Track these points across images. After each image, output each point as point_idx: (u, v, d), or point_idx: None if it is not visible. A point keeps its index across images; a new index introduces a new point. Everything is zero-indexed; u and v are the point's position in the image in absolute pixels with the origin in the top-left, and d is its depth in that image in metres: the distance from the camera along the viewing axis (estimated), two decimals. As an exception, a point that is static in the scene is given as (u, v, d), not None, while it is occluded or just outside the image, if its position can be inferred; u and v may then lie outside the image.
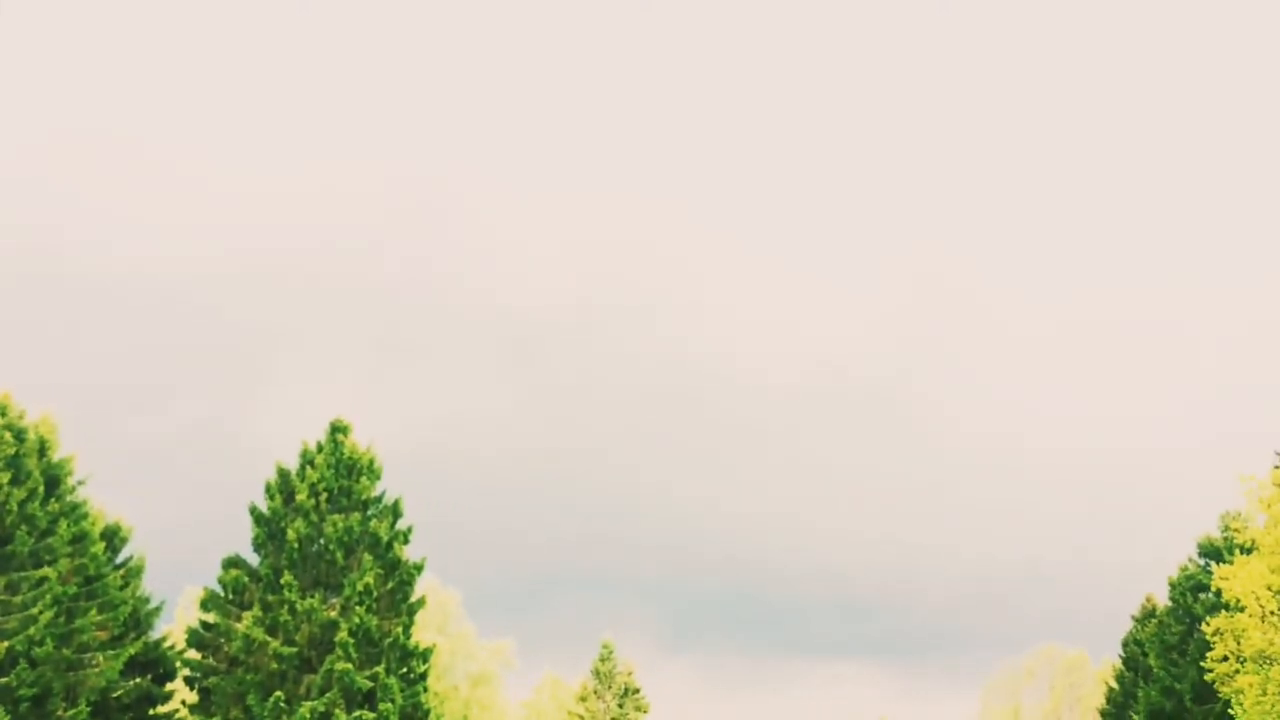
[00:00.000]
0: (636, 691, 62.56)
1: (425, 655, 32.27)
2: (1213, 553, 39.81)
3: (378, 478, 33.13)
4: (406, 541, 32.79)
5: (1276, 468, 33.47)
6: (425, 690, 32.01)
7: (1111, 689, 49.71)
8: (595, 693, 64.19)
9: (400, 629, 31.55)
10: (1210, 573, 31.28)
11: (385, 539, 32.28)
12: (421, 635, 36.53)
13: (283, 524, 31.84)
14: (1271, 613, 22.95)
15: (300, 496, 31.76)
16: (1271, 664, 23.54)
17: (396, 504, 33.16)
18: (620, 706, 64.16)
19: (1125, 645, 48.91)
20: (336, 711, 28.96)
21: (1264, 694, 24.93)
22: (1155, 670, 44.58)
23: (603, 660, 62.27)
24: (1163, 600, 45.94)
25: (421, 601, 32.85)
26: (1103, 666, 65.60)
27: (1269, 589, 22.95)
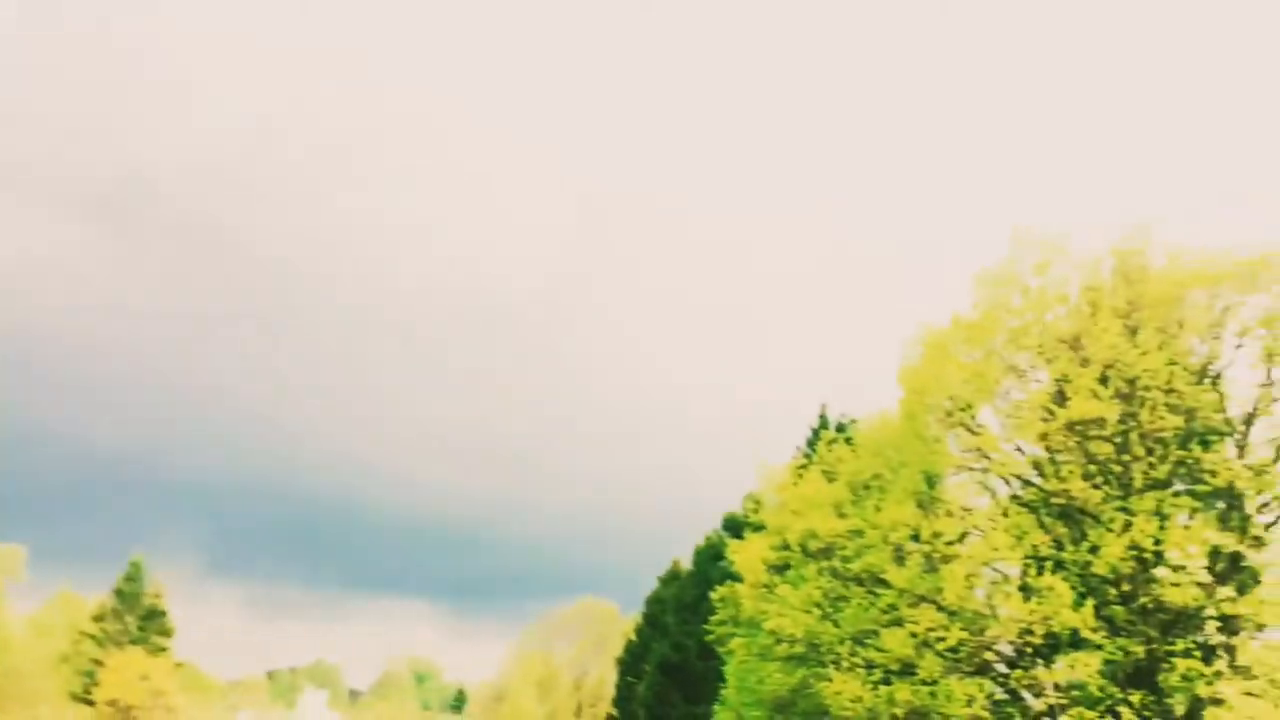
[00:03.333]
0: (163, 614, 58.59)
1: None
2: (734, 526, 44.49)
3: None
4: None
5: (796, 456, 38.07)
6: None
7: (631, 641, 54.22)
8: (115, 612, 59.21)
9: None
10: (727, 544, 34.82)
11: None
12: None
13: None
14: (764, 585, 26.11)
15: None
16: (757, 629, 26.76)
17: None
18: (141, 629, 59.75)
19: (649, 603, 53.50)
20: None
21: (748, 654, 28.33)
22: (671, 627, 49.29)
23: (129, 579, 57.68)
24: (689, 565, 50.87)
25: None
26: (629, 621, 71.33)
27: (764, 564, 26.06)
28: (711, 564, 46.73)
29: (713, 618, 33.91)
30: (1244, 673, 11.31)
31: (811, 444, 37.02)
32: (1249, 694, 10.93)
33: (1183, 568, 10.32)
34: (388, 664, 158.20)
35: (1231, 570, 19.09)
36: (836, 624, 25.13)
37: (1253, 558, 13.07)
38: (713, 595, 34.68)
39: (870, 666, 24.27)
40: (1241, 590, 13.94)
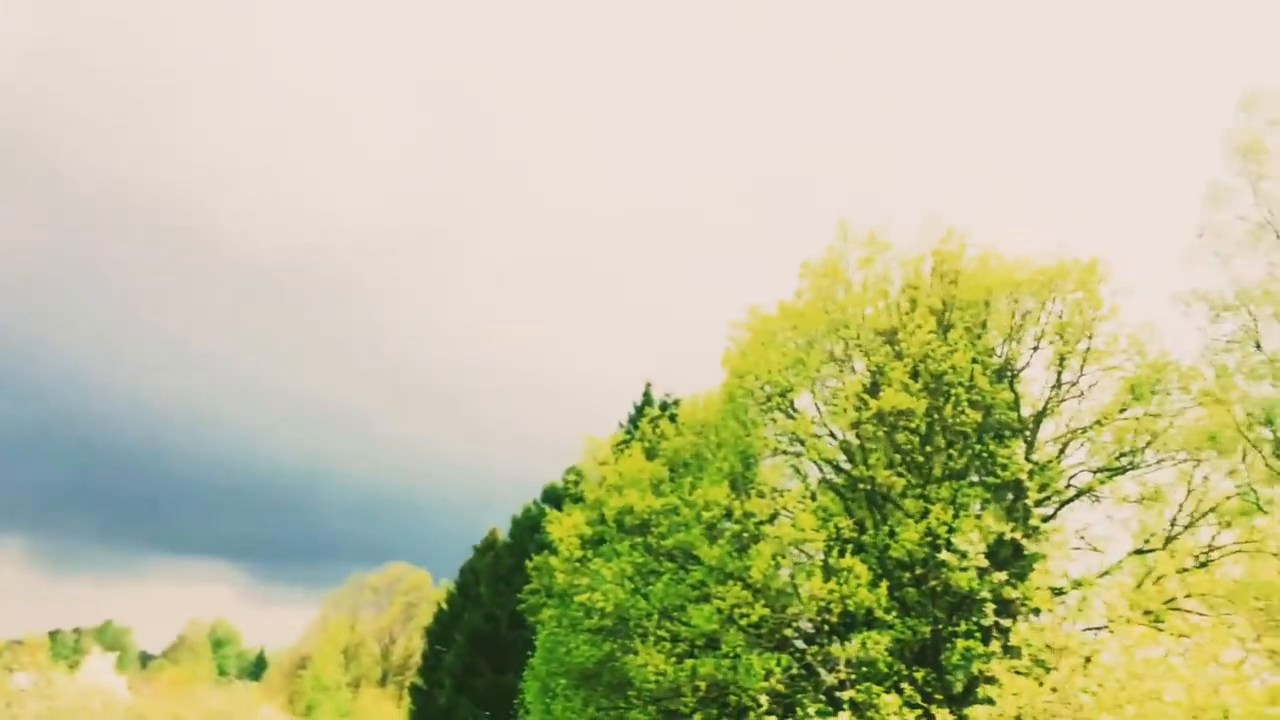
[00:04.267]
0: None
1: None
2: (553, 498, 44.54)
3: None
4: None
5: (620, 431, 38.34)
6: None
7: (441, 609, 53.62)
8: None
9: None
10: (546, 515, 34.76)
11: None
12: None
13: None
14: (578, 558, 26.22)
15: None
16: (568, 601, 26.86)
17: None
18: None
19: (463, 572, 53.01)
20: None
21: (558, 625, 28.41)
22: (484, 597, 48.97)
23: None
24: (506, 535, 50.63)
25: None
26: (441, 589, 70.56)
27: (580, 537, 26.17)
28: (529, 535, 46.66)
29: (525, 587, 33.88)
30: (1014, 653, 12.07)
31: (635, 420, 37.45)
32: (1018, 672, 11.67)
33: (963, 554, 10.93)
34: (184, 627, 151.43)
35: (1013, 558, 20.38)
36: (646, 598, 25.48)
37: (1030, 547, 13.98)
38: (527, 565, 34.63)
39: (676, 640, 24.77)
40: (1020, 577, 14.89)
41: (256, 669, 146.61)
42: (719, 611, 23.55)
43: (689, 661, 23.84)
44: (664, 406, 36.67)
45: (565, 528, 26.61)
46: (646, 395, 40.70)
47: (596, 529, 26.65)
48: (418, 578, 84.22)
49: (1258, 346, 23.19)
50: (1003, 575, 10.96)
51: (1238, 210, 23.85)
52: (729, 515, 24.59)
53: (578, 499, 29.46)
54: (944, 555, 12.79)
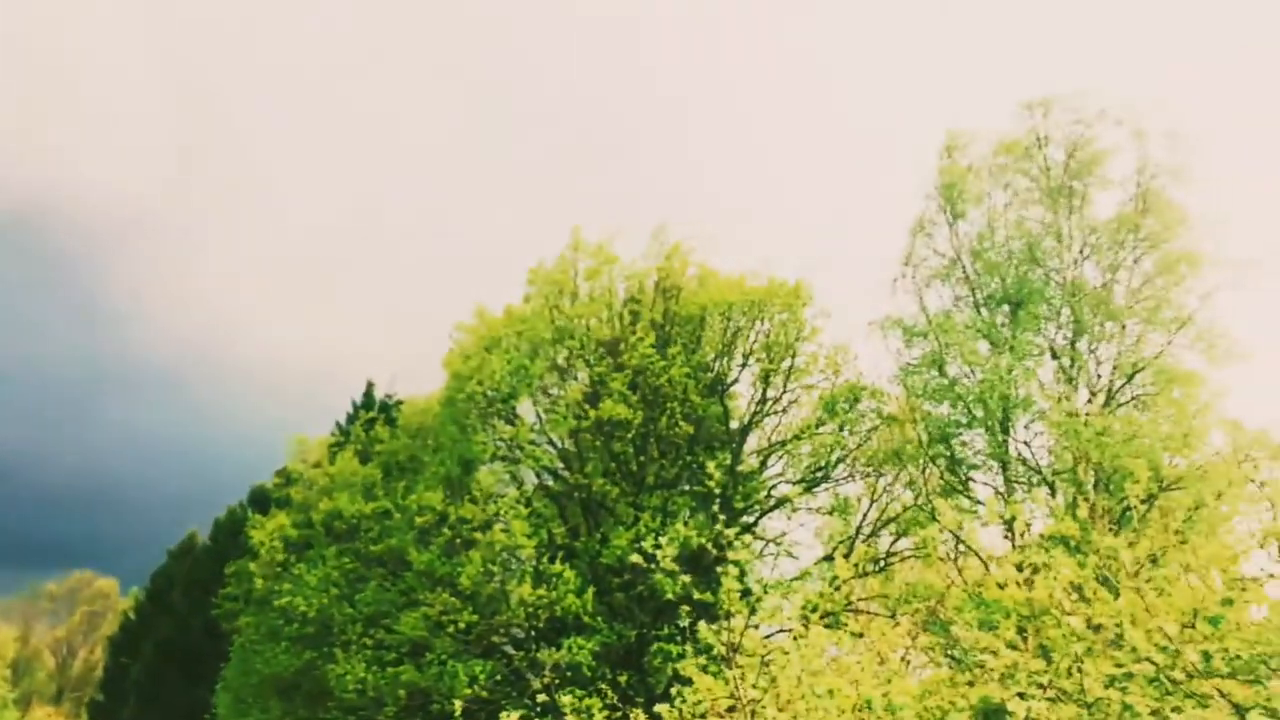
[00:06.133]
0: None
1: None
2: (260, 500, 42.20)
3: None
4: None
5: (335, 432, 36.89)
6: None
7: (129, 618, 49.53)
8: None
9: None
10: (250, 518, 32.88)
11: None
12: None
13: None
14: (280, 563, 24.99)
15: None
16: (267, 608, 25.52)
17: None
18: None
19: (155, 578, 49.22)
20: None
21: (256, 634, 26.90)
22: (177, 605, 45.64)
23: None
24: (207, 538, 47.43)
25: None
26: (130, 598, 65.27)
27: (283, 539, 24.97)
28: (231, 539, 44.00)
29: (221, 592, 31.88)
30: (705, 653, 12.63)
31: (352, 420, 36.18)
32: (707, 671, 12.19)
33: (651, 557, 11.33)
34: None
35: (715, 563, 21.33)
36: (352, 605, 24.64)
37: (732, 554, 14.68)
38: (225, 571, 32.63)
39: (381, 648, 24.09)
40: (717, 582, 15.62)
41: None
42: (427, 618, 23.12)
43: (392, 670, 23.24)
44: (385, 407, 35.69)
45: (267, 531, 25.28)
46: (367, 395, 39.43)
47: (303, 533, 25.50)
48: (103, 585, 77.38)
49: (941, 371, 25.51)
50: (688, 579, 11.39)
51: (937, 245, 26.22)
52: (443, 520, 24.24)
53: (285, 502, 28.09)
54: (634, 559, 13.14)
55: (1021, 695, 9.71)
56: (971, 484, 24.50)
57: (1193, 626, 10.72)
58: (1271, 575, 16.27)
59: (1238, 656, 9.76)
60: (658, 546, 11.46)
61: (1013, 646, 11.47)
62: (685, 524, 24.22)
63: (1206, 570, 13.02)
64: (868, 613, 23.15)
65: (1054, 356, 23.96)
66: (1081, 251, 23.92)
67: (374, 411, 31.30)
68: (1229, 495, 18.24)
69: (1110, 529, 18.50)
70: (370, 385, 39.52)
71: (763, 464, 26.71)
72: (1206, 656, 9.30)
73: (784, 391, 26.55)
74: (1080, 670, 9.95)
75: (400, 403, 35.64)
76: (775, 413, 26.66)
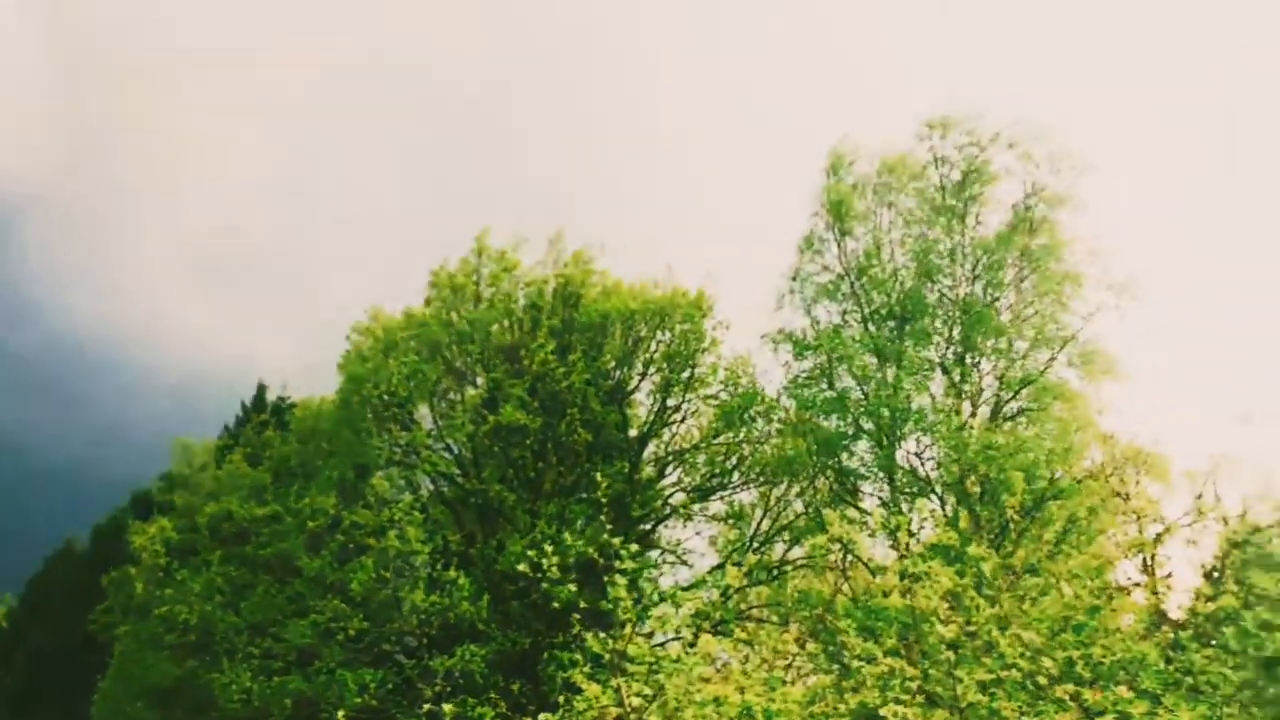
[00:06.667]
0: None
1: None
2: (143, 505, 40.66)
3: None
4: None
5: (224, 435, 35.94)
6: None
7: (1, 630, 47.33)
8: None
9: None
10: (131, 524, 31.77)
11: None
12: None
13: None
14: (162, 570, 24.21)
15: None
16: (148, 616, 24.70)
17: None
18: None
19: (30, 586, 47.12)
20: None
21: (136, 642, 26.00)
22: (56, 613, 43.77)
23: None
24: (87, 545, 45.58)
25: None
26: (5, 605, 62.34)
27: (165, 543, 24.21)
28: (113, 546, 42.37)
29: (99, 607, 30.69)
30: (598, 662, 12.66)
31: (243, 422, 35.18)
32: (595, 679, 12.22)
33: (537, 565, 11.33)
34: None
35: (605, 571, 21.35)
36: (238, 612, 23.97)
37: (618, 564, 14.69)
38: (104, 579, 31.45)
39: (268, 656, 23.49)
40: (608, 588, 15.61)
41: None
42: (316, 625, 22.64)
43: (279, 679, 22.67)
44: (277, 410, 34.81)
45: (149, 536, 24.44)
46: (258, 397, 38.37)
47: (186, 537, 24.72)
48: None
49: (830, 384, 26.01)
50: (574, 587, 11.41)
51: (825, 261, 26.73)
52: (335, 525, 23.77)
53: (169, 507, 27.22)
54: (521, 567, 13.10)
55: (899, 701, 9.98)
56: (860, 494, 25.07)
57: (1064, 633, 11.16)
58: (1137, 584, 17.02)
59: (1100, 663, 10.20)
60: (543, 555, 11.45)
61: (893, 653, 11.77)
62: (578, 532, 24.16)
63: (1076, 580, 13.53)
64: (760, 620, 23.50)
65: (944, 371, 24.67)
66: (972, 270, 24.70)
67: (265, 414, 30.50)
68: (1100, 507, 19.07)
69: (990, 540, 19.11)
70: (262, 387, 38.47)
71: (660, 472, 26.87)
72: (1070, 663, 9.69)
73: (683, 401, 26.76)
74: (953, 676, 10.26)
75: (293, 405, 34.81)
76: (674, 422, 26.86)
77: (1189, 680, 9.21)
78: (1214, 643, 10.24)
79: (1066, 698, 8.80)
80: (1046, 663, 9.21)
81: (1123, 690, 8.77)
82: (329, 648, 23.05)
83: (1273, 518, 16.82)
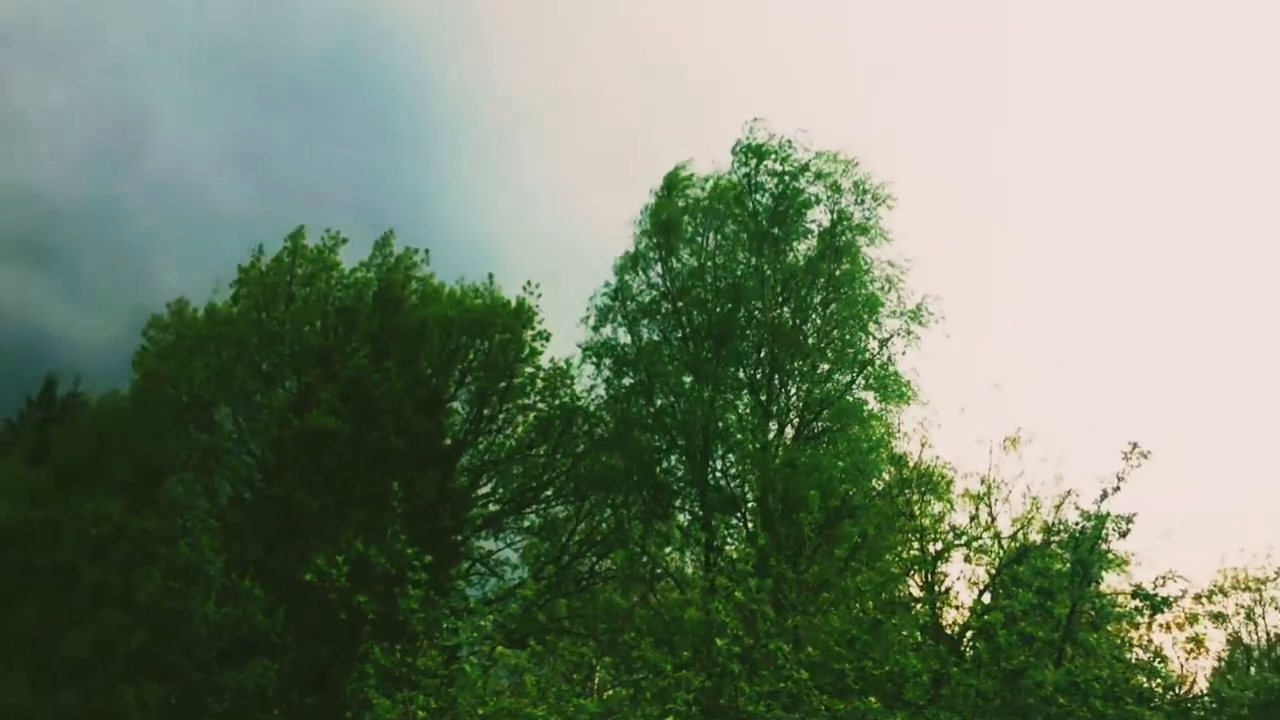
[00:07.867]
0: None
1: None
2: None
3: None
4: None
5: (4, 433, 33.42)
6: None
7: None
8: None
9: None
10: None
11: None
12: None
13: None
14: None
15: None
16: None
17: None
18: None
19: None
20: None
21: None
22: None
23: None
24: None
25: None
26: None
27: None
28: None
29: None
30: (386, 675, 12.50)
31: (27, 419, 32.74)
32: (386, 695, 12.05)
33: (328, 574, 11.15)
34: None
35: (407, 584, 20.99)
36: (13, 621, 22.36)
37: (411, 575, 14.53)
38: None
39: (42, 669, 21.97)
40: (428, 603, 15.43)
41: None
42: (96, 637, 21.33)
43: (54, 692, 21.25)
44: (67, 406, 32.62)
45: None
46: (46, 392, 35.76)
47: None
48: None
49: (649, 399, 26.45)
50: (364, 598, 11.25)
51: (650, 279, 27.15)
52: (121, 532, 22.48)
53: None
54: (308, 577, 12.80)
55: (679, 713, 10.26)
56: (673, 510, 25.58)
57: (850, 646, 11.74)
58: (920, 601, 18.04)
59: (872, 675, 10.79)
60: (333, 565, 11.27)
61: (684, 665, 12.09)
62: (388, 542, 23.66)
63: (862, 595, 14.25)
64: (568, 632, 23.60)
65: (752, 390, 25.48)
66: (781, 294, 25.62)
67: (52, 410, 28.57)
68: (886, 525, 20.11)
69: (788, 556, 19.86)
70: (51, 381, 35.87)
71: (474, 482, 26.66)
72: (843, 675, 10.22)
73: (499, 411, 26.65)
74: (737, 688, 10.65)
75: (85, 402, 32.70)
76: (489, 432, 26.70)
77: (944, 691, 9.87)
78: (970, 655, 11.00)
79: (823, 709, 9.27)
80: (804, 675, 9.70)
81: (873, 700, 9.33)
82: (109, 660, 21.74)
83: (1039, 538, 18.18)
